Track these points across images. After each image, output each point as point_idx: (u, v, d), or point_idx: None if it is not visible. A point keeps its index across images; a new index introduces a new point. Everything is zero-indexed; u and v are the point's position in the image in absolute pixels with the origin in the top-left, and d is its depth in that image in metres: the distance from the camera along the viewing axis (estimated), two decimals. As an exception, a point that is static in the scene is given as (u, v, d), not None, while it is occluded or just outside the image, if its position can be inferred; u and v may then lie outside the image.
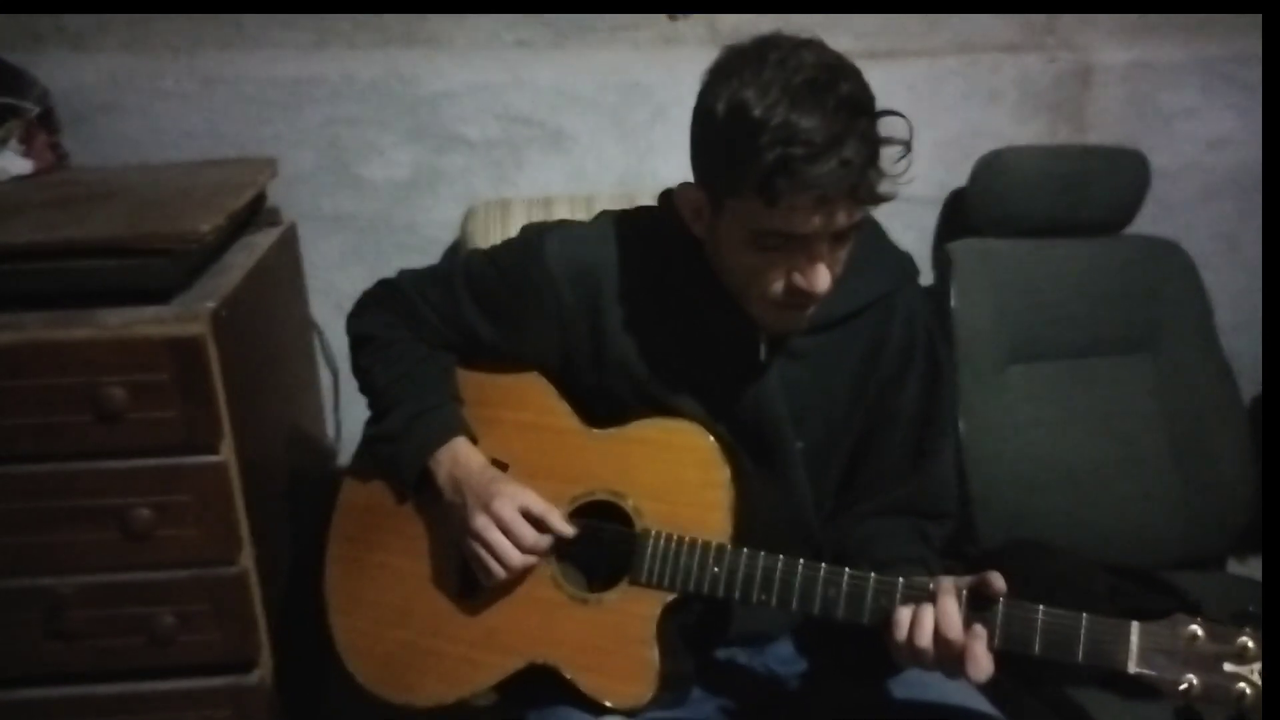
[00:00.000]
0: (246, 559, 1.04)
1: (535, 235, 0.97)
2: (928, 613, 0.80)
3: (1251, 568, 1.62)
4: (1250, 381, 1.56)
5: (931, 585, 0.82)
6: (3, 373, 0.95)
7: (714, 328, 0.92)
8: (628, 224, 0.97)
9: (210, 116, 1.38)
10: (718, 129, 0.81)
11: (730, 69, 0.80)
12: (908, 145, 0.81)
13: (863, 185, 0.78)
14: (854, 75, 0.80)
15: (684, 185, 0.89)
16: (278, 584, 1.11)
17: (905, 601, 0.82)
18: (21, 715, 1.04)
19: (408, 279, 1.03)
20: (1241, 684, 0.75)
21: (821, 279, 0.82)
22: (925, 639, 0.80)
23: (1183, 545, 1.39)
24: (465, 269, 1.00)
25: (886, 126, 0.81)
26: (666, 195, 0.95)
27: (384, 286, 1.05)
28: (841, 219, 0.80)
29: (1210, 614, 0.78)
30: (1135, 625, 0.78)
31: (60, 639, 1.02)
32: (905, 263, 0.99)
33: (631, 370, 0.95)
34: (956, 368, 1.34)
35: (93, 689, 1.04)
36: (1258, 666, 0.75)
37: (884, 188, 0.80)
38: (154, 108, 1.37)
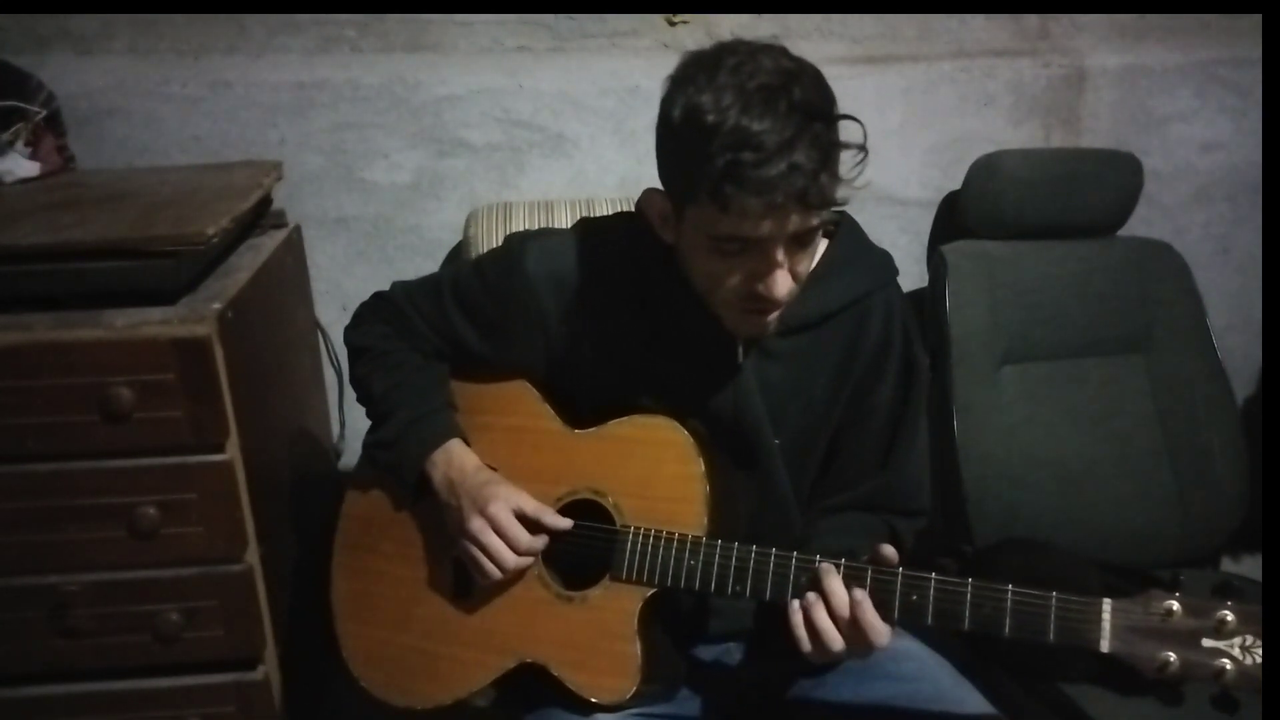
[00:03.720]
0: (252, 557, 1.05)
1: (517, 245, 0.99)
2: (815, 597, 0.83)
3: (1245, 566, 1.64)
4: (1243, 381, 1.57)
5: (817, 565, 0.84)
6: (11, 373, 0.96)
7: (691, 330, 0.93)
8: (605, 231, 0.99)
9: (216, 120, 1.39)
10: (674, 136, 0.82)
11: (688, 76, 0.81)
12: (863, 149, 0.81)
13: (813, 190, 0.77)
14: (811, 80, 0.80)
15: (650, 192, 0.89)
16: (282, 581, 1.12)
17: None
18: (28, 712, 1.05)
19: (400, 291, 1.05)
20: (1222, 659, 0.72)
21: (779, 285, 0.82)
22: (823, 619, 0.82)
23: (1177, 544, 1.40)
24: (453, 281, 1.02)
25: (846, 131, 0.80)
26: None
27: (378, 299, 1.07)
28: (794, 223, 0.79)
29: (1187, 587, 0.75)
30: (1108, 603, 0.76)
31: (66, 636, 1.02)
32: (885, 263, 1.00)
33: (612, 374, 0.96)
34: (949, 367, 1.35)
35: (98, 686, 1.05)
36: (1239, 640, 0.72)
37: (838, 192, 0.80)
38: (160, 111, 1.38)
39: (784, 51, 0.82)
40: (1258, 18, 1.52)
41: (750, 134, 0.76)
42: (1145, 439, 1.41)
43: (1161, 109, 1.56)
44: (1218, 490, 1.40)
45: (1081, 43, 1.55)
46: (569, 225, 1.02)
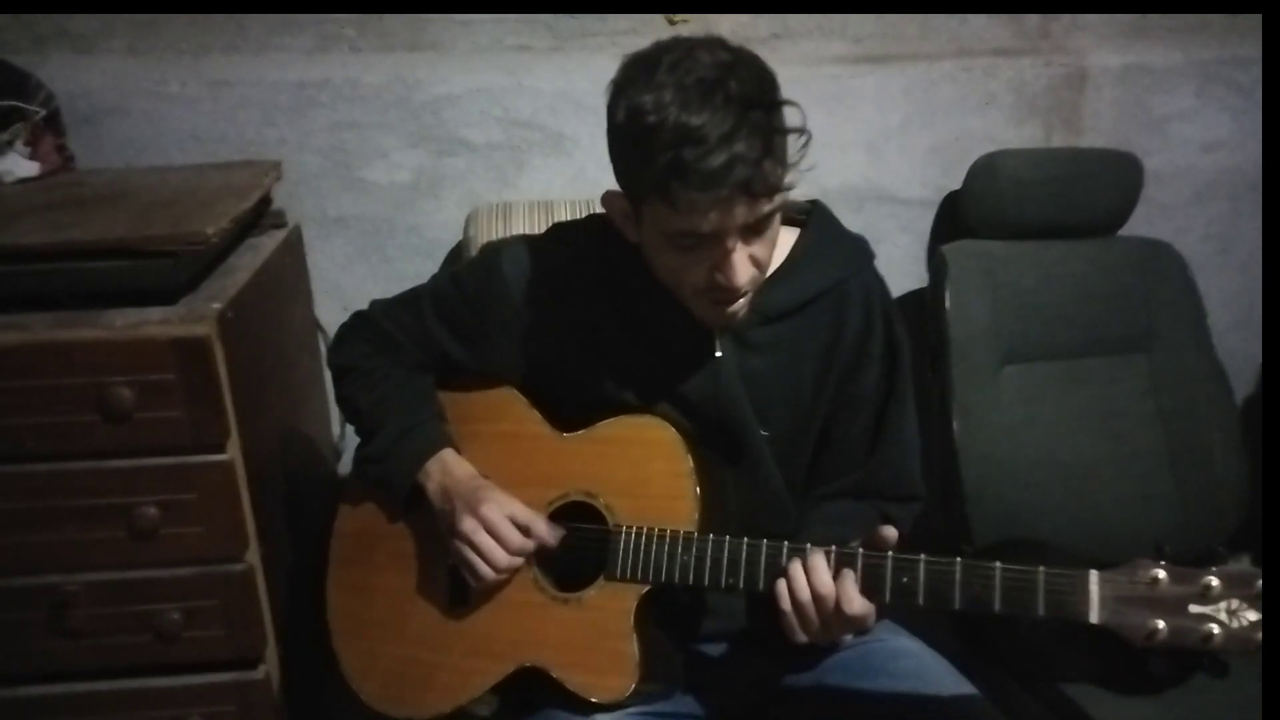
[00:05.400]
0: (252, 556, 1.05)
1: (492, 253, 1.01)
2: (799, 571, 0.84)
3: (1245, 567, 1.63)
4: (1243, 381, 1.57)
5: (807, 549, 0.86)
6: (11, 373, 0.96)
7: (665, 324, 0.95)
8: (576, 232, 1.01)
9: (215, 119, 1.39)
10: (620, 139, 0.84)
11: (628, 78, 0.82)
12: (804, 131, 0.82)
13: (756, 179, 0.78)
14: (749, 69, 0.80)
15: (611, 193, 0.91)
16: (283, 581, 1.12)
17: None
18: (28, 712, 1.05)
19: (380, 308, 1.07)
20: (1210, 624, 0.73)
21: (738, 273, 0.84)
22: (804, 594, 0.83)
23: (1177, 544, 1.38)
24: (432, 293, 1.04)
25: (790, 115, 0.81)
26: None
27: (358, 318, 1.08)
28: (743, 213, 0.80)
29: (1171, 555, 0.76)
30: (1094, 574, 0.77)
31: (67, 636, 1.02)
32: (860, 248, 1.01)
33: (592, 372, 0.97)
34: (949, 367, 1.35)
35: (99, 686, 1.05)
36: (1224, 605, 0.73)
37: (783, 179, 0.81)
38: (159, 110, 1.38)
39: (721, 43, 0.82)
40: (1258, 17, 1.52)
41: (690, 129, 0.77)
42: (1146, 439, 1.41)
43: (1162, 108, 1.56)
44: (1218, 490, 1.40)
45: (1082, 42, 1.55)
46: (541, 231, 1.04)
